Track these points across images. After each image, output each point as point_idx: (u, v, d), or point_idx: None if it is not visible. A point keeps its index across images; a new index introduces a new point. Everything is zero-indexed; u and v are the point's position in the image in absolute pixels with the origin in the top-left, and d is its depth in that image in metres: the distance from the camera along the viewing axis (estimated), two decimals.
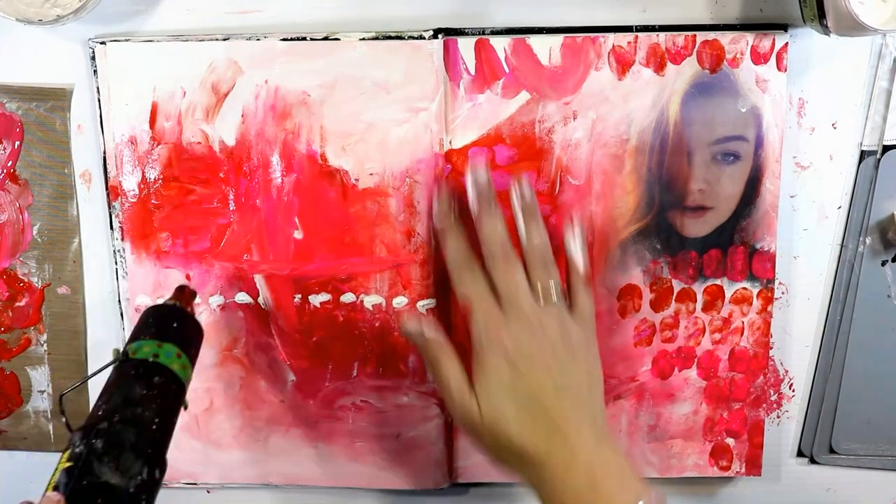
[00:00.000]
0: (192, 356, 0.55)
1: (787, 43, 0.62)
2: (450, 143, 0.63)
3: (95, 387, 0.68)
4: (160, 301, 0.57)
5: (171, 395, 0.52)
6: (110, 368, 0.52)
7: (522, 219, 0.58)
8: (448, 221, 0.60)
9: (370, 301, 0.65)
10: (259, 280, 0.65)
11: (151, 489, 0.48)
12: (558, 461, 0.52)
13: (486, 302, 0.56)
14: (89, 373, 0.68)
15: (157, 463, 0.48)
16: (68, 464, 0.47)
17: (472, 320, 0.56)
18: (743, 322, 0.66)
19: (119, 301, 0.66)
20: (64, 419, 0.51)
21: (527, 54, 0.62)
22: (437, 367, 0.56)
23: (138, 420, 0.49)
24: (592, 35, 0.62)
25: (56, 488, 0.45)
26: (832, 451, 0.69)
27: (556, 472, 0.52)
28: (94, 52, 0.62)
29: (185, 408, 0.53)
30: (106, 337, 0.68)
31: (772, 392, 0.68)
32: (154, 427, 0.49)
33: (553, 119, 0.63)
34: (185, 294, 0.57)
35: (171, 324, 0.54)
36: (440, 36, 0.61)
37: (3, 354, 0.68)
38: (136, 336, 0.54)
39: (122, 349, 0.53)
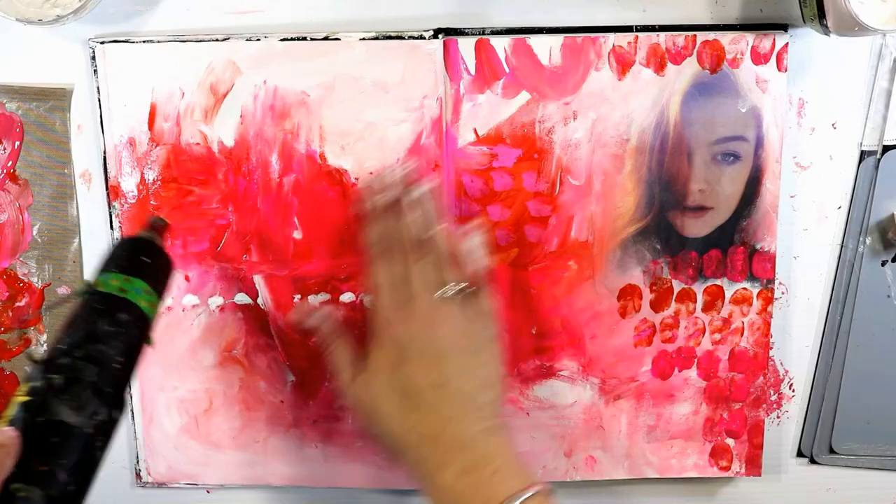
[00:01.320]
0: (161, 293, 0.53)
1: (787, 43, 0.62)
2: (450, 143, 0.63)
3: None
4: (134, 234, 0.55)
5: (137, 333, 0.50)
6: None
7: (422, 216, 0.58)
8: (376, 205, 0.59)
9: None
10: (258, 280, 0.65)
11: (108, 430, 0.46)
12: (429, 454, 0.53)
13: (394, 292, 0.56)
14: None
15: (117, 403, 0.47)
16: (25, 398, 0.45)
17: (375, 307, 0.57)
18: (743, 322, 0.66)
19: None
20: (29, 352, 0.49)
21: (527, 54, 0.62)
22: (330, 353, 0.59)
23: (101, 358, 0.47)
24: (592, 35, 0.62)
25: (12, 423, 0.43)
26: (832, 451, 0.69)
27: (427, 464, 0.53)
28: (94, 52, 0.62)
29: (151, 344, 0.51)
30: None
31: (772, 392, 0.68)
32: (116, 366, 0.48)
33: (553, 119, 0.63)
34: (157, 227, 0.55)
35: (141, 257, 0.52)
36: (440, 36, 0.61)
37: (3, 354, 0.68)
38: (105, 268, 0.51)
39: (90, 281, 0.51)
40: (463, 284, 0.56)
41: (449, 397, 0.54)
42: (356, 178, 0.63)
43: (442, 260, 0.57)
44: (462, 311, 0.56)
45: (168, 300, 0.65)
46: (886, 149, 0.64)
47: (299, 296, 0.65)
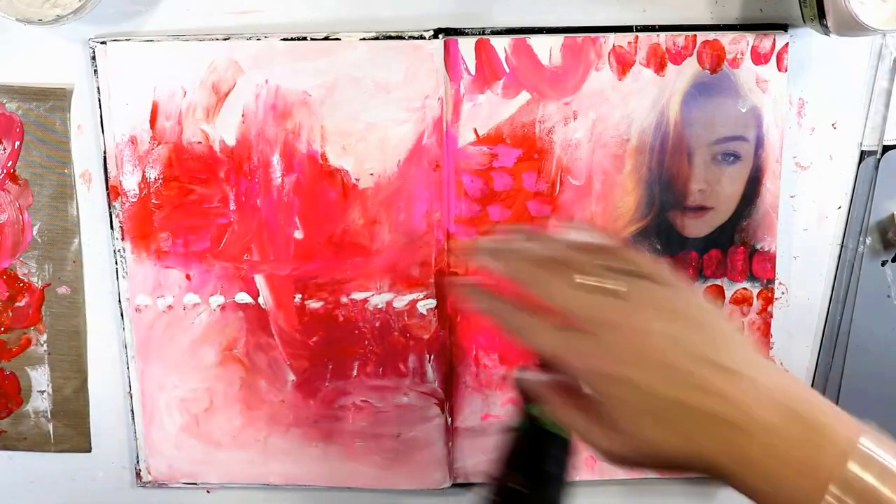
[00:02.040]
0: None
1: (787, 43, 0.62)
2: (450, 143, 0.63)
3: (95, 386, 0.68)
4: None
5: (570, 463, 0.49)
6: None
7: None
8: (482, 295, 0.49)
9: (371, 301, 0.65)
10: (259, 280, 0.65)
11: None
12: (734, 425, 0.40)
13: (564, 340, 0.44)
14: (88, 372, 0.68)
15: None
16: None
17: (567, 368, 0.44)
18: (743, 322, 0.66)
19: (119, 301, 0.66)
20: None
21: (527, 54, 0.62)
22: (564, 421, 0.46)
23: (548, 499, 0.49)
24: (593, 35, 0.62)
25: None
26: None
27: (735, 437, 0.40)
28: (94, 51, 0.62)
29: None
30: (106, 337, 0.68)
31: None
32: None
33: (553, 119, 0.63)
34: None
35: None
36: (440, 36, 0.61)
37: (3, 354, 0.68)
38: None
39: (527, 411, 0.49)
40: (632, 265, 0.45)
41: (689, 357, 0.41)
42: (357, 179, 0.63)
43: (595, 254, 0.46)
44: (631, 291, 0.44)
45: (169, 299, 0.66)
46: (886, 149, 0.64)
47: (300, 295, 0.65)
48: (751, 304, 0.66)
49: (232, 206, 0.64)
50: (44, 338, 0.68)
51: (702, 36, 0.62)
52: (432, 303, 0.65)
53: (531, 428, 0.50)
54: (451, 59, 0.62)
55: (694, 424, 0.40)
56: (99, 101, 0.63)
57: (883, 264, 0.66)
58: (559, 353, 0.44)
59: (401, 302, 0.65)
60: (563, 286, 0.44)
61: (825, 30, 0.57)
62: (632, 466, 0.43)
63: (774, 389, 0.40)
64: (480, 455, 0.68)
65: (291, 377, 0.67)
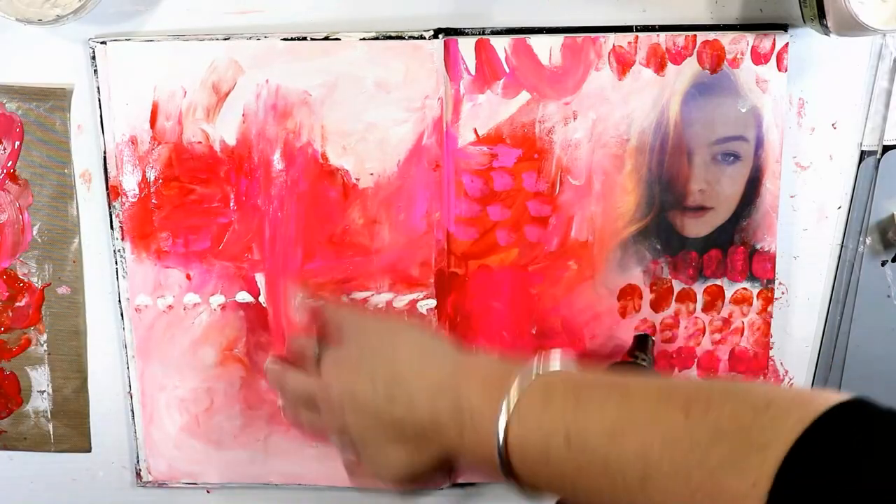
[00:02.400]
0: None
1: (787, 43, 0.62)
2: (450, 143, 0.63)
3: (95, 386, 0.68)
4: (638, 361, 0.60)
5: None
6: None
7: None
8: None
9: (371, 301, 0.65)
10: (260, 279, 0.65)
11: None
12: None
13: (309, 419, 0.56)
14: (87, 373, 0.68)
15: None
16: None
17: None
18: (743, 322, 0.66)
19: (119, 301, 0.66)
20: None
21: (527, 54, 0.62)
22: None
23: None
24: (593, 35, 0.62)
25: None
26: None
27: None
28: (94, 51, 0.62)
29: None
30: (106, 337, 0.68)
31: None
32: None
33: (553, 119, 0.63)
34: (650, 346, 0.60)
35: None
36: (440, 36, 0.61)
37: (3, 354, 0.68)
38: None
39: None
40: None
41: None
42: (357, 179, 0.63)
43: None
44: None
45: (169, 299, 0.66)
46: (886, 149, 0.64)
47: (301, 295, 0.65)
48: (751, 304, 0.66)
49: (232, 206, 0.64)
50: (44, 338, 0.68)
51: (702, 36, 0.62)
52: (432, 303, 0.65)
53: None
54: (451, 59, 0.62)
55: (407, 447, 0.50)
56: (99, 101, 0.63)
57: (883, 264, 0.66)
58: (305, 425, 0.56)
59: (401, 302, 0.65)
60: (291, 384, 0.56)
61: (825, 30, 0.57)
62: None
63: (426, 393, 0.49)
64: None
65: None
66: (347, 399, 0.51)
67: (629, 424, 0.41)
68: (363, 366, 0.51)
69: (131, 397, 0.68)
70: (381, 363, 0.51)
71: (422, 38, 0.61)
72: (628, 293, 0.66)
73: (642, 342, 0.62)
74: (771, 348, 0.67)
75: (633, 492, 0.40)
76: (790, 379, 0.68)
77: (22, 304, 0.67)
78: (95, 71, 0.62)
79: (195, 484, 0.69)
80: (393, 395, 0.50)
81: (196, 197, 0.64)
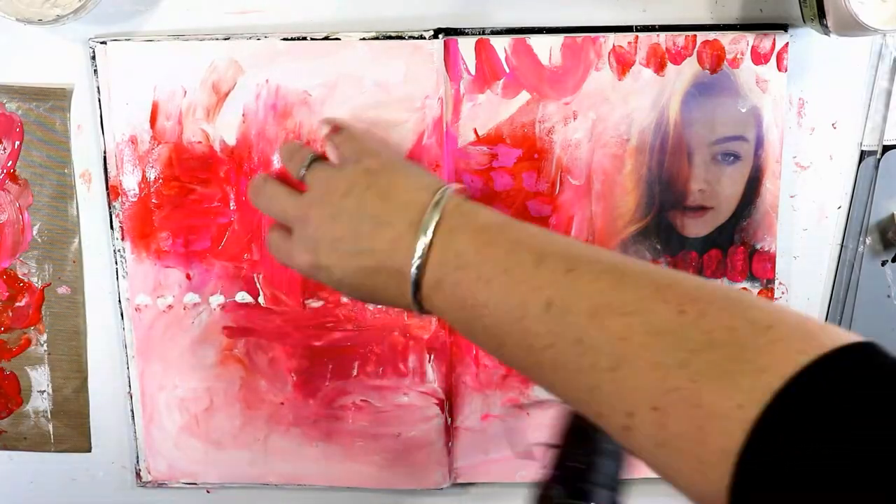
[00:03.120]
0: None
1: (787, 43, 0.62)
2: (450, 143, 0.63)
3: (95, 386, 0.68)
4: None
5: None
6: None
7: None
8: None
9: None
10: (259, 280, 0.65)
11: None
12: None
13: (276, 241, 0.55)
14: (88, 373, 0.68)
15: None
16: None
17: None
18: None
19: (119, 301, 0.66)
20: None
21: (527, 54, 0.62)
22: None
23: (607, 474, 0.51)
24: (593, 35, 0.62)
25: None
26: None
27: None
28: (94, 51, 0.62)
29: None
30: (106, 337, 0.68)
31: None
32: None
33: (553, 119, 0.63)
34: None
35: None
36: (440, 36, 0.61)
37: (3, 354, 0.68)
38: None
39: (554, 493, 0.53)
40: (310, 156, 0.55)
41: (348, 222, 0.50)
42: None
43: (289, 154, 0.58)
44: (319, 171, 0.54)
45: (169, 299, 0.66)
46: (886, 149, 0.64)
47: (300, 294, 0.65)
48: None
49: (232, 206, 0.64)
50: (44, 338, 0.68)
51: (702, 36, 0.62)
52: None
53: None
54: (451, 59, 0.62)
55: (359, 277, 0.49)
56: (99, 101, 0.63)
57: (883, 264, 0.66)
58: (275, 253, 0.55)
59: None
60: (268, 197, 0.55)
61: (825, 30, 0.58)
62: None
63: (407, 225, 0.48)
64: (480, 455, 0.68)
65: (291, 377, 0.67)
66: (328, 213, 0.50)
67: (617, 307, 0.39)
68: (357, 188, 0.50)
69: (131, 397, 0.68)
70: (375, 186, 0.50)
71: (422, 38, 0.61)
72: None
73: None
74: None
75: (601, 376, 0.38)
76: None
77: (22, 304, 0.67)
78: (95, 71, 0.63)
79: (195, 484, 0.69)
80: (380, 220, 0.49)
81: (196, 197, 0.64)
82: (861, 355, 0.34)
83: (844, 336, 0.35)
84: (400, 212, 0.48)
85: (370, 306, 0.65)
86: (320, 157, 0.56)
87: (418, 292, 0.47)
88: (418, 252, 0.46)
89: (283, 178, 0.57)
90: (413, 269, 0.46)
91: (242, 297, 0.65)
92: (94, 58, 0.62)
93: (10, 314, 0.67)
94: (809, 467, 0.31)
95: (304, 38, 0.61)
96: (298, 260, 0.52)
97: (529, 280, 0.42)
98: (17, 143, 0.65)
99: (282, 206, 0.54)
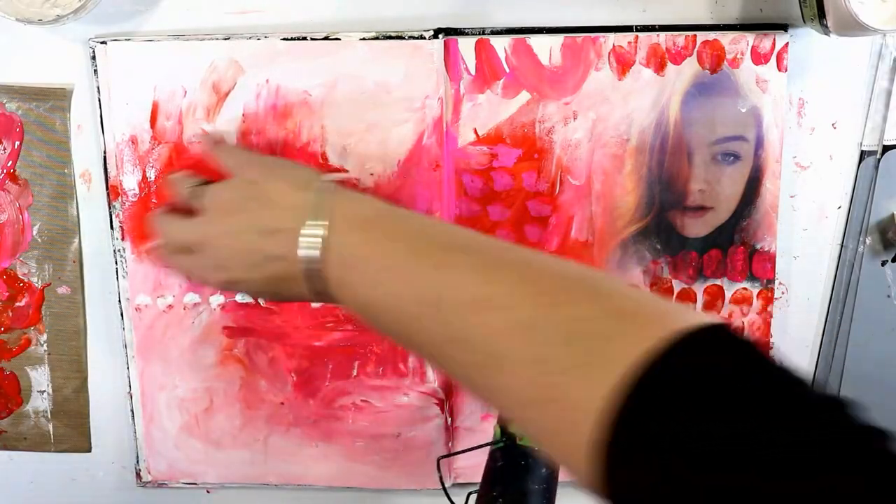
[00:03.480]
0: None
1: (787, 43, 0.62)
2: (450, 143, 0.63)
3: (95, 386, 0.68)
4: None
5: (554, 484, 0.51)
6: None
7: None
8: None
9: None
10: None
11: None
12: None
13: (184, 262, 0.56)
14: (87, 373, 0.68)
15: None
16: None
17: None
18: (743, 322, 0.66)
19: (119, 301, 0.66)
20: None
21: (527, 54, 0.62)
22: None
23: None
24: (592, 35, 0.62)
25: None
26: None
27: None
28: (94, 51, 0.62)
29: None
30: (106, 337, 0.68)
31: None
32: None
33: (553, 119, 0.63)
34: None
35: None
36: (440, 36, 0.61)
37: (3, 354, 0.68)
38: None
39: (501, 428, 0.52)
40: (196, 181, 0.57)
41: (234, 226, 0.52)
42: (357, 179, 0.63)
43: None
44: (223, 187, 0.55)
45: (169, 299, 0.66)
46: (886, 149, 0.64)
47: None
48: (751, 304, 0.66)
49: None
50: (44, 338, 0.68)
51: (702, 36, 0.62)
52: None
53: (511, 445, 0.52)
54: (451, 59, 0.62)
55: (271, 285, 0.51)
56: (99, 101, 0.63)
57: (883, 264, 0.66)
58: (187, 275, 0.57)
59: None
60: (166, 230, 0.56)
61: (825, 30, 0.58)
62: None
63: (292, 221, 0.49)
64: (480, 455, 0.68)
65: (291, 377, 0.67)
66: (224, 231, 0.52)
67: (495, 301, 0.40)
68: (242, 201, 0.52)
69: (131, 397, 0.68)
70: (258, 197, 0.51)
71: (422, 38, 0.61)
72: None
73: None
74: (771, 348, 0.67)
75: (489, 372, 0.40)
76: None
77: (22, 304, 0.67)
78: (95, 71, 0.62)
79: (195, 484, 0.69)
80: (269, 229, 0.50)
81: None
82: (712, 337, 0.36)
83: (697, 318, 0.36)
84: (286, 216, 0.49)
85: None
86: (206, 181, 0.57)
87: (327, 291, 0.48)
88: (310, 255, 0.48)
89: (175, 209, 0.58)
90: (310, 270, 0.48)
91: (242, 297, 0.65)
92: (94, 58, 0.62)
93: (10, 314, 0.67)
94: (652, 447, 0.32)
95: (304, 38, 0.61)
96: (212, 280, 0.54)
97: (414, 279, 0.44)
98: (17, 143, 0.65)
99: (181, 234, 0.55)
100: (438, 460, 0.53)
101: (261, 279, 0.51)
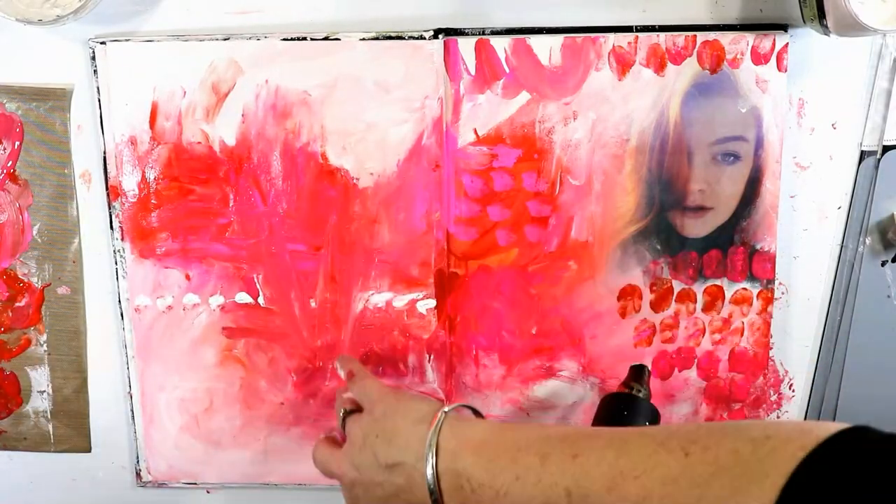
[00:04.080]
0: None
1: (787, 43, 0.62)
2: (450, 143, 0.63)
3: (95, 386, 0.68)
4: (633, 392, 0.58)
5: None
6: None
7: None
8: None
9: (371, 301, 0.65)
10: (259, 280, 0.65)
11: None
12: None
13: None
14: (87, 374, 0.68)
15: None
16: None
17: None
18: (743, 322, 0.66)
19: (119, 301, 0.66)
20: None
21: (527, 54, 0.62)
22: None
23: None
24: (592, 35, 0.62)
25: None
26: None
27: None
28: (94, 52, 0.62)
29: None
30: (106, 337, 0.68)
31: (772, 392, 0.68)
32: None
33: (553, 119, 0.63)
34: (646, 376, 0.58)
35: (645, 422, 0.55)
36: (440, 36, 0.61)
37: (3, 354, 0.68)
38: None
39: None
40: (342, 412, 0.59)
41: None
42: (357, 179, 0.63)
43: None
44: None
45: (169, 299, 0.66)
46: (886, 149, 0.64)
47: (300, 295, 0.65)
48: (751, 305, 0.66)
49: (232, 206, 0.64)
50: (44, 338, 0.68)
51: (702, 36, 0.62)
52: (432, 303, 0.65)
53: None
54: (450, 59, 0.62)
55: None
56: (99, 101, 0.63)
57: (883, 264, 0.66)
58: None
59: (400, 302, 0.65)
60: (319, 461, 0.58)
61: (825, 30, 0.57)
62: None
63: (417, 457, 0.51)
64: None
65: (291, 377, 0.67)
66: (354, 465, 0.54)
67: (629, 472, 0.42)
68: (369, 437, 0.54)
69: (131, 397, 0.68)
70: (381, 433, 0.54)
71: (422, 38, 0.61)
72: (628, 293, 0.66)
73: (638, 373, 0.62)
74: (771, 348, 0.67)
75: None
76: (790, 379, 0.68)
77: (22, 304, 0.67)
78: (95, 71, 0.62)
79: (195, 484, 0.69)
80: (390, 463, 0.52)
81: (196, 197, 0.64)
82: (851, 439, 0.37)
83: (835, 426, 0.37)
84: (405, 452, 0.52)
85: None
86: (352, 410, 0.58)
87: None
88: (430, 484, 0.50)
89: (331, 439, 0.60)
90: (438, 497, 0.50)
91: (242, 297, 0.65)
92: (94, 58, 0.62)
93: (10, 314, 0.67)
94: None
95: (304, 38, 0.61)
96: None
97: (542, 479, 0.45)
98: (17, 143, 0.65)
99: (323, 465, 0.58)
100: None
101: None
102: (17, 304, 0.67)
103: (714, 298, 0.66)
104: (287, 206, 0.64)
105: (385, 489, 0.53)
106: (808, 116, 0.64)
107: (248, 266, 0.65)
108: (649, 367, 0.64)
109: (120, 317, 0.66)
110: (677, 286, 0.66)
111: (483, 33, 0.62)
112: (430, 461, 0.50)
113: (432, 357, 0.66)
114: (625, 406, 0.55)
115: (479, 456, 0.49)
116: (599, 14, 0.62)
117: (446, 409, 0.52)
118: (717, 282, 0.65)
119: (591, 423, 0.56)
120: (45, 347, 0.68)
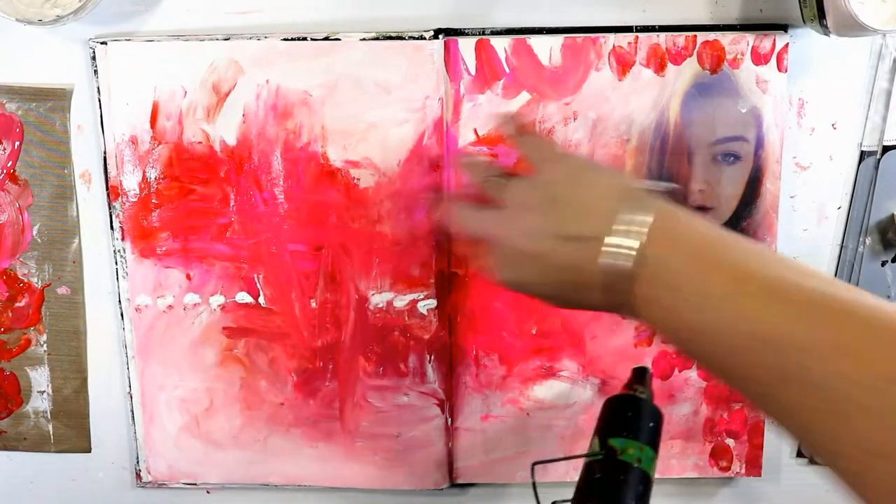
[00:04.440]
0: (658, 448, 0.54)
1: (787, 43, 0.62)
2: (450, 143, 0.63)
3: (95, 386, 0.68)
4: (636, 393, 0.56)
5: (648, 498, 0.51)
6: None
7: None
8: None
9: (371, 301, 0.65)
10: (259, 280, 0.65)
11: None
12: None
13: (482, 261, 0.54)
14: (88, 374, 0.68)
15: None
16: None
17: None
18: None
19: (119, 301, 0.66)
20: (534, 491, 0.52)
21: (527, 54, 0.62)
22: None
23: None
24: (593, 35, 0.62)
25: None
26: None
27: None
28: (94, 52, 0.62)
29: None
30: (106, 337, 0.68)
31: None
32: None
33: (553, 119, 0.63)
34: (648, 378, 0.57)
35: (649, 423, 0.54)
36: (441, 36, 0.61)
37: (3, 355, 0.68)
38: (616, 431, 0.53)
39: (600, 441, 0.52)
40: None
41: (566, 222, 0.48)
42: (357, 179, 0.63)
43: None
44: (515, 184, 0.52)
45: (169, 299, 0.66)
46: (886, 149, 0.64)
47: (301, 295, 0.65)
48: None
49: (232, 206, 0.64)
50: (44, 338, 0.68)
51: (702, 36, 0.62)
52: (432, 303, 0.65)
53: (611, 459, 0.51)
54: (451, 60, 0.62)
55: (561, 292, 0.48)
56: (99, 101, 0.63)
57: (883, 264, 0.66)
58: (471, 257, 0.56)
59: (401, 302, 0.65)
60: (470, 214, 0.53)
61: (825, 30, 0.58)
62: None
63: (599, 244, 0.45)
64: (480, 455, 0.68)
65: (291, 377, 0.67)
66: (521, 231, 0.49)
67: (852, 348, 0.37)
68: (545, 200, 0.48)
69: (131, 397, 0.68)
70: (561, 198, 0.48)
71: (422, 38, 0.61)
72: None
73: (640, 375, 0.62)
74: None
75: (832, 418, 0.37)
76: None
77: (22, 304, 0.67)
78: (95, 71, 0.63)
79: (195, 484, 0.69)
80: (575, 235, 0.46)
81: (196, 197, 0.64)
82: None
83: None
84: (592, 224, 0.46)
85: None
86: (506, 173, 0.53)
87: (630, 304, 0.45)
88: (618, 267, 0.44)
89: (472, 197, 0.55)
90: (614, 283, 0.44)
91: (242, 297, 0.65)
92: (94, 58, 0.62)
93: (10, 314, 0.67)
94: None
95: (304, 38, 0.61)
96: (500, 276, 0.51)
97: (753, 314, 0.40)
98: (17, 143, 0.65)
99: (478, 225, 0.52)
100: (533, 465, 0.53)
101: (551, 284, 0.48)
102: (17, 305, 0.67)
103: None
104: (288, 206, 0.64)
105: (552, 261, 0.47)
106: (808, 116, 0.64)
107: (248, 266, 0.65)
108: (650, 369, 0.64)
109: (120, 317, 0.66)
110: None
111: (483, 33, 0.62)
112: (632, 238, 0.43)
113: (433, 357, 0.66)
114: (628, 408, 0.55)
115: (693, 253, 0.43)
116: (599, 14, 0.62)
117: (645, 184, 0.47)
118: None
119: (595, 425, 0.55)
120: (44, 347, 0.68)
